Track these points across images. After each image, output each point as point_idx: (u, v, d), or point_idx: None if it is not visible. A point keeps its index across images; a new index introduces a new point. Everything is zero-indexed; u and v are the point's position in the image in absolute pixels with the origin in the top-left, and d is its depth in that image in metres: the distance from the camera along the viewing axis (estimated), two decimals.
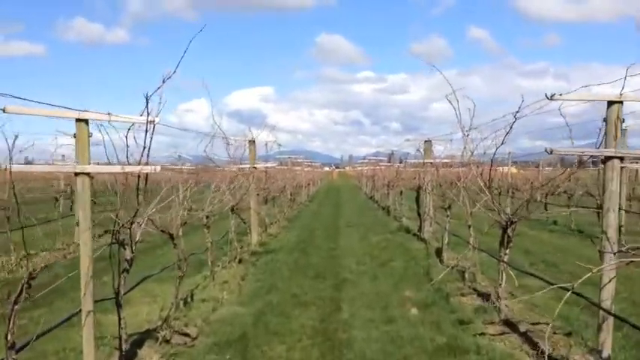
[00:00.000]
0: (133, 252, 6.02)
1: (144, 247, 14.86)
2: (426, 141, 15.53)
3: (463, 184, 9.95)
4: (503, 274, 8.17)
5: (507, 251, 8.19)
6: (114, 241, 5.80)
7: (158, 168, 5.25)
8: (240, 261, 12.40)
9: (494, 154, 7.26)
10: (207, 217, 9.96)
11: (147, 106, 4.90)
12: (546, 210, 21.14)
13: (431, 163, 15.47)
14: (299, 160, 34.54)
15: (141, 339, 7.10)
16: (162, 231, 7.55)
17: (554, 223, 19.71)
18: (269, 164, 16.82)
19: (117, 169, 5.24)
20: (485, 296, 9.11)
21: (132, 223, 5.52)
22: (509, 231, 8.11)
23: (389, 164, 28.36)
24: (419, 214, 16.50)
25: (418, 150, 15.86)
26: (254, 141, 15.40)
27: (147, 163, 5.20)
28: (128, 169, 5.12)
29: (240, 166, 14.58)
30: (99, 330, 7.78)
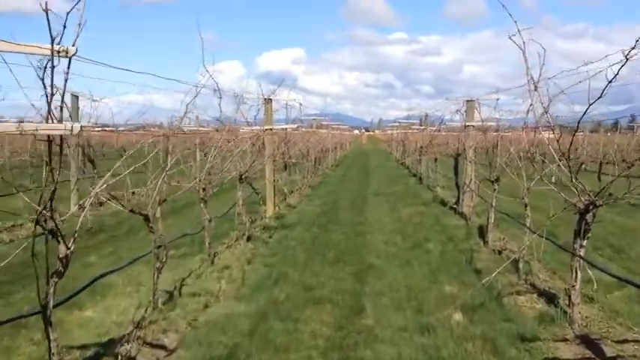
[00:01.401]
0: (68, 247, 4.22)
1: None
2: (468, 101, 13.42)
3: (528, 153, 7.94)
4: (578, 272, 6.23)
5: (585, 242, 6.24)
6: (42, 231, 4.02)
7: (77, 127, 3.39)
8: (249, 238, 10.64)
9: (585, 113, 5.23)
10: (203, 189, 8.16)
11: (50, 30, 3.02)
12: (599, 180, 18.95)
13: (473, 126, 13.40)
14: (324, 123, 32.49)
15: (97, 354, 5.38)
16: (131, 211, 5.77)
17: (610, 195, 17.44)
18: (289, 126, 14.91)
19: (10, 127, 3.42)
20: (548, 296, 7.16)
21: (51, 208, 3.71)
22: (588, 217, 6.16)
23: (422, 128, 26.18)
24: (457, 185, 14.50)
25: (458, 111, 13.77)
26: (270, 99, 13.48)
27: (60, 120, 3.36)
28: (28, 127, 3.28)
29: (253, 127, 12.74)
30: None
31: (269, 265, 9.11)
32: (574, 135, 5.73)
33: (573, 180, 5.85)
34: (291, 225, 12.70)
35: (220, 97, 6.49)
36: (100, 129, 13.78)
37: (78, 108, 13.41)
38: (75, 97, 13.36)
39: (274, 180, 14.17)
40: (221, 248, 10.13)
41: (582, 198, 6.00)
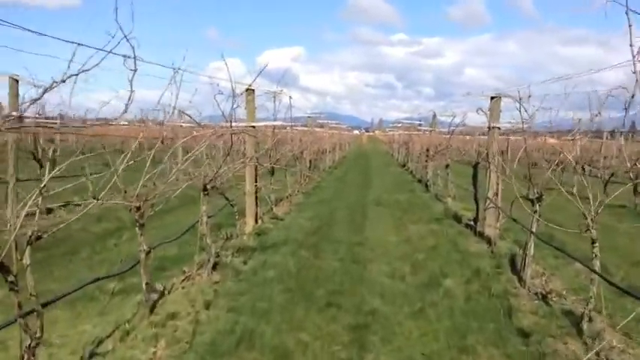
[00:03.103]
0: None
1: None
2: (493, 97, 11.00)
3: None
4: None
5: None
6: None
7: None
8: (215, 266, 8.24)
9: None
10: (137, 208, 5.73)
11: None
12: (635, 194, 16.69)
13: (499, 128, 11.00)
14: (321, 121, 30.02)
15: None
16: None
17: None
18: (275, 123, 12.46)
19: None
20: None
21: None
22: None
23: (429, 129, 23.71)
24: (476, 199, 12.06)
25: (480, 110, 11.32)
26: (252, 90, 11.05)
27: None
28: None
29: (233, 124, 10.33)
30: None
31: (235, 311, 6.68)
32: None
33: None
34: (273, 245, 10.26)
35: (135, 70, 4.06)
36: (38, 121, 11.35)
37: (17, 94, 10.95)
38: (14, 81, 10.90)
39: (257, 188, 11.74)
40: (176, 280, 7.73)
41: None
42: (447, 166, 16.81)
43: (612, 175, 16.60)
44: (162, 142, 5.94)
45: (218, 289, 7.48)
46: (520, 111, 7.64)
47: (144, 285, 5.98)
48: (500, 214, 10.08)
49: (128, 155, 4.83)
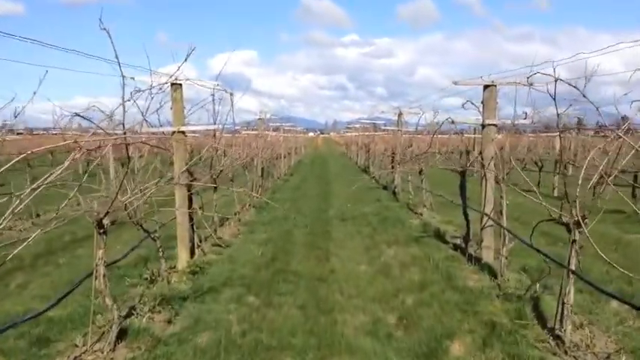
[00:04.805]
0: None
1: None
2: (486, 86, 8.76)
3: None
4: None
5: None
6: None
7: None
8: (121, 335, 5.67)
9: None
10: None
11: None
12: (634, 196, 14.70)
13: (495, 125, 8.76)
14: (274, 124, 27.44)
15: None
16: None
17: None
18: (209, 126, 9.83)
19: None
20: None
21: None
22: None
23: (395, 129, 21.37)
24: (465, 215, 9.79)
25: (470, 102, 9.00)
26: (180, 84, 8.47)
27: None
28: None
29: (158, 129, 7.85)
30: None
31: None
32: None
33: None
34: (213, 288, 7.70)
35: None
36: None
37: None
38: None
39: (192, 210, 9.16)
40: None
41: None
42: (421, 171, 14.52)
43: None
44: None
45: None
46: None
47: None
48: (507, 236, 7.76)
49: None
